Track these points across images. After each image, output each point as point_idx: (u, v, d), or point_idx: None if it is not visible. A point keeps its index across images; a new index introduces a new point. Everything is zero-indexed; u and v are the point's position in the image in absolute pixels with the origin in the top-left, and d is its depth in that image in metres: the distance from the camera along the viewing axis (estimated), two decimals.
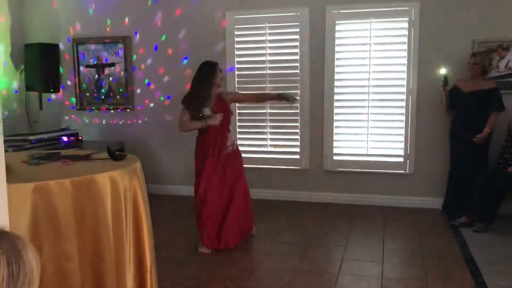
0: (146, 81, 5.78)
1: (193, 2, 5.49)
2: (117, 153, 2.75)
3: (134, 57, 5.77)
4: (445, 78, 4.71)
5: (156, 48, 5.67)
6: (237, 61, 5.41)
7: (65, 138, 5.20)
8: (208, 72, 3.91)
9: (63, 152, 3.13)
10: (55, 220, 2.23)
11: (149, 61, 5.73)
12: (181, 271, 3.55)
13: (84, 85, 5.96)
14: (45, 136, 4.97)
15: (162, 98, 5.74)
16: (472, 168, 4.52)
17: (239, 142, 5.53)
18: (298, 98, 5.06)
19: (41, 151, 3.41)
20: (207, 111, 3.85)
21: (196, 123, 3.88)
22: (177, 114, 5.85)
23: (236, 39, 5.40)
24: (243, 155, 4.22)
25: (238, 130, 5.49)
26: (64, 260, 2.27)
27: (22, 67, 5.76)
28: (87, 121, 6.01)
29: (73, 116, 6.03)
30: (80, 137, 5.41)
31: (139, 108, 5.85)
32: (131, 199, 2.55)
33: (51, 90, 5.80)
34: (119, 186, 2.42)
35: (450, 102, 4.75)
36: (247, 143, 5.48)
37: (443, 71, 4.73)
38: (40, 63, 5.60)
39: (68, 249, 2.27)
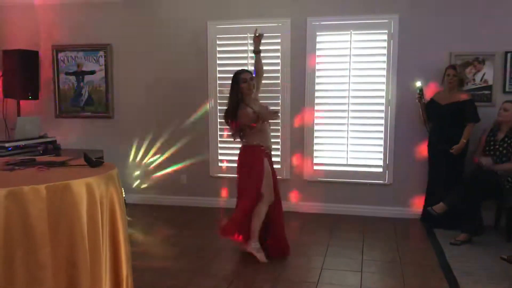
0: (126, 89, 5.73)
1: (175, 11, 5.49)
2: (94, 160, 2.71)
3: (115, 65, 5.73)
4: (421, 91, 4.79)
5: (137, 56, 5.65)
6: (218, 71, 5.41)
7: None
8: (233, 81, 3.93)
9: (39, 158, 3.07)
10: (28, 226, 2.18)
11: (129, 69, 5.69)
12: (159, 281, 3.50)
13: (63, 92, 5.89)
14: (23, 143, 4.89)
15: (142, 107, 5.70)
16: (449, 179, 4.59)
17: (220, 152, 5.53)
18: (278, 113, 5.11)
19: (16, 158, 3.34)
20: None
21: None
22: (157, 122, 5.84)
23: (218, 49, 5.41)
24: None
25: (219, 139, 5.48)
26: (37, 268, 2.21)
27: (0, 73, 5.67)
28: (66, 129, 5.92)
29: (52, 123, 5.93)
30: (58, 145, 5.33)
31: (118, 116, 5.80)
32: (107, 206, 2.51)
33: (30, 97, 5.71)
34: (95, 193, 2.38)
35: (427, 114, 4.83)
36: (229, 152, 5.46)
37: (418, 83, 4.81)
38: (19, 70, 5.52)
39: (41, 256, 2.22)
